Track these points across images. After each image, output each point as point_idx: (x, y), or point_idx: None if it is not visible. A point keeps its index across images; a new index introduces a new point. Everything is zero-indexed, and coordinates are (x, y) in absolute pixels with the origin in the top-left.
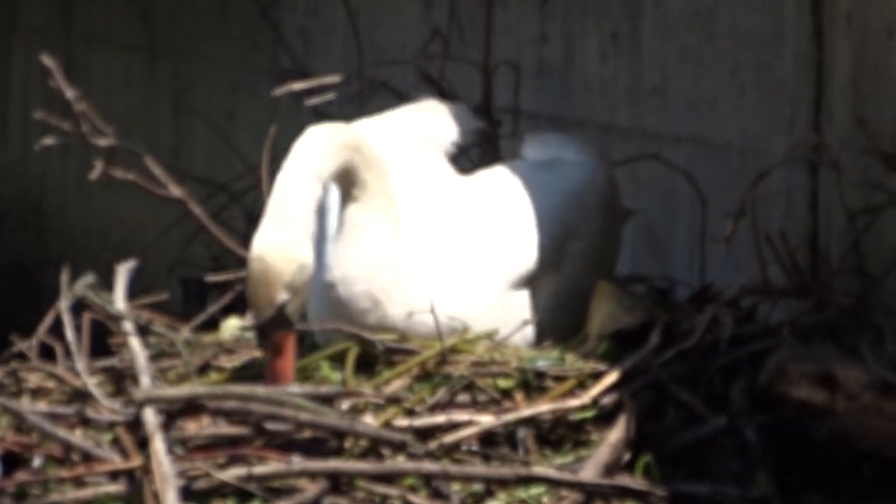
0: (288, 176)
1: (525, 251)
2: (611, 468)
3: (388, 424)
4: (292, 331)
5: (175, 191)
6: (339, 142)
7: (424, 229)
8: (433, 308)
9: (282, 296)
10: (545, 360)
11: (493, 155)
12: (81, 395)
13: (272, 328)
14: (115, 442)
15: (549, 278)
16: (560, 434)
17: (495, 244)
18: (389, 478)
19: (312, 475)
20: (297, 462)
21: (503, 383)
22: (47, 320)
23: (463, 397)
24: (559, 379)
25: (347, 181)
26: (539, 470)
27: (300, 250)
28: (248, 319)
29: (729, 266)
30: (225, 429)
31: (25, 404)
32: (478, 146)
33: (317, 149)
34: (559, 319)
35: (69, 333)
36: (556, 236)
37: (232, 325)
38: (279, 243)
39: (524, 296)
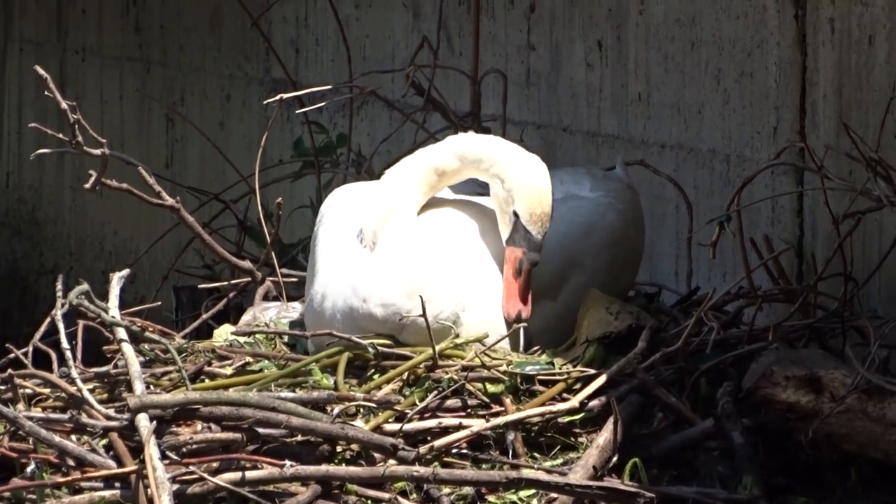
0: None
1: None
2: (599, 471)
3: (379, 429)
4: None
5: (168, 199)
6: None
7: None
8: (424, 312)
9: None
10: (534, 365)
11: None
12: (76, 402)
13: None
14: (110, 448)
15: (544, 302)
16: (549, 437)
17: (493, 262)
18: (380, 482)
19: (304, 480)
20: (290, 467)
21: (493, 388)
22: (42, 328)
23: (453, 401)
24: (548, 383)
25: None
26: (528, 473)
27: None
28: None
29: (715, 271)
30: (218, 434)
31: (21, 410)
32: None
33: None
34: (546, 342)
35: (64, 341)
36: (556, 265)
37: (225, 332)
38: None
39: None
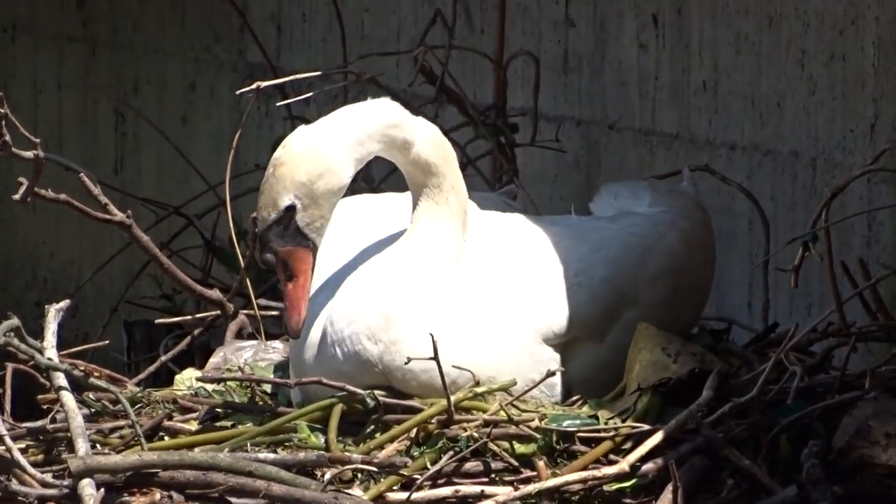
0: (364, 107)
1: (560, 308)
2: None
3: (381, 498)
4: (308, 250)
5: (117, 214)
6: (419, 128)
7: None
8: (436, 353)
9: (288, 197)
10: (574, 419)
11: (508, 167)
12: (4, 465)
13: (276, 241)
14: None
15: (588, 345)
16: None
17: (529, 294)
18: None
19: None
20: None
21: (522, 447)
22: None
23: (473, 464)
24: (591, 442)
25: (419, 175)
26: None
27: (335, 156)
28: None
29: (798, 303)
30: None
31: None
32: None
33: (396, 115)
34: (589, 391)
35: None
36: (602, 298)
37: (188, 378)
38: (313, 137)
39: (557, 354)
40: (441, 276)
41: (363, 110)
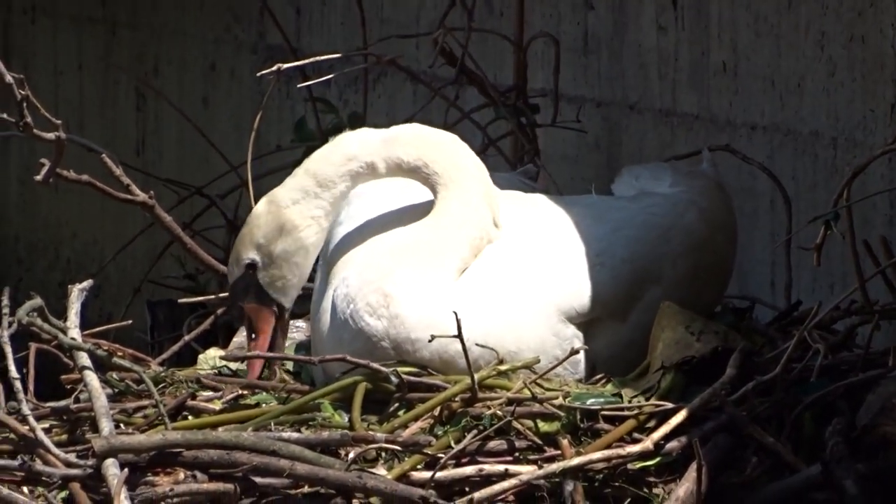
0: (318, 157)
1: (583, 287)
2: None
3: (405, 477)
4: (270, 311)
5: (140, 194)
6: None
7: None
8: (460, 330)
9: (249, 254)
10: (597, 398)
11: (529, 148)
12: (28, 445)
13: (241, 297)
14: (71, 502)
15: (611, 324)
16: (616, 488)
17: (551, 273)
18: None
19: None
20: None
21: (546, 426)
22: None
23: (497, 443)
24: (615, 420)
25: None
26: None
27: (295, 216)
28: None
29: (820, 281)
30: (205, 485)
31: None
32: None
33: (346, 149)
34: (613, 369)
35: (12, 369)
36: (624, 278)
37: (212, 358)
38: (278, 198)
39: (580, 332)
40: (446, 251)
41: (316, 162)
